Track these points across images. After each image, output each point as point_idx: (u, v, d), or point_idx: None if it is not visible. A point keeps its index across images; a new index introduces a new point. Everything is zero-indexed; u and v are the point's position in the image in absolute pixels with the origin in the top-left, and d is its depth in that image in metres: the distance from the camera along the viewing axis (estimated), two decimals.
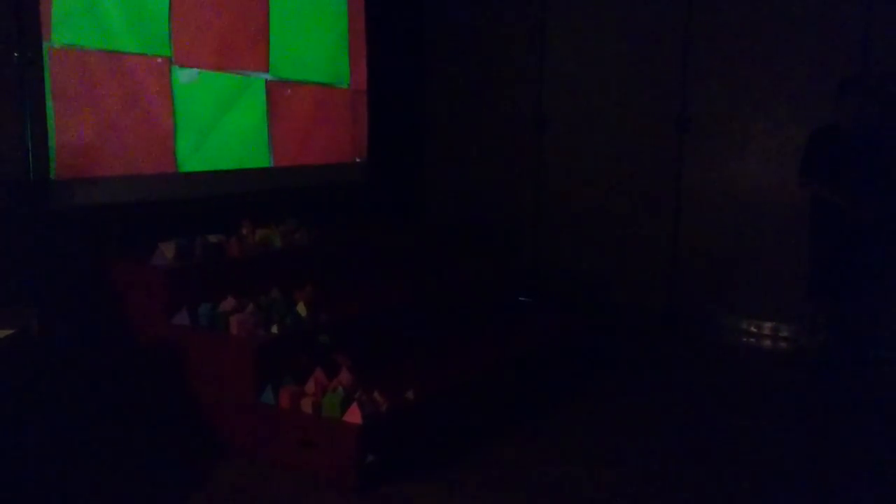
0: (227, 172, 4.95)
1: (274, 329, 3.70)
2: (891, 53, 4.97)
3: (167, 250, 3.97)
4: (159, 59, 4.50)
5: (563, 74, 6.15)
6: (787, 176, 5.05)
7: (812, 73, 5.10)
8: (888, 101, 4.96)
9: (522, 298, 5.70)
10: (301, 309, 3.90)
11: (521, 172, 6.38)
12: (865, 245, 4.71)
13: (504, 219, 6.47)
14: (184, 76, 4.62)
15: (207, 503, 3.14)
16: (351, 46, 5.85)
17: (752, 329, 5.53)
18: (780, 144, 5.09)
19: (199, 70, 4.72)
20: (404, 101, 6.49)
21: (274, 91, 5.21)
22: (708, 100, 5.57)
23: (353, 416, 3.26)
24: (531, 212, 6.37)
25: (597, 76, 6.00)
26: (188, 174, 4.72)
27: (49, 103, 3.98)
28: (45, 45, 3.94)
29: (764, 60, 5.35)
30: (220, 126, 4.89)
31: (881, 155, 4.70)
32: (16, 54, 3.86)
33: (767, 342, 5.31)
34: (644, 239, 5.90)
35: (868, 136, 4.71)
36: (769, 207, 5.30)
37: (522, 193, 6.39)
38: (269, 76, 5.15)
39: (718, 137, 5.57)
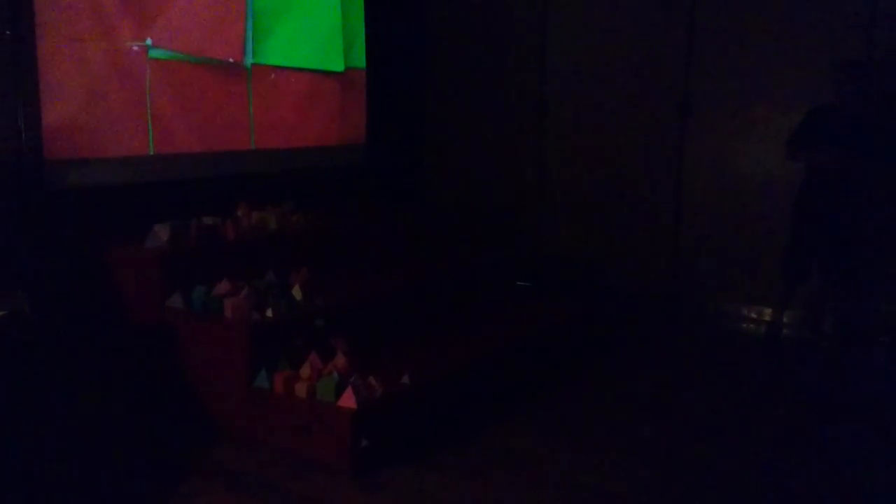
0: (224, 154, 4.90)
1: (269, 313, 3.66)
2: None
3: (162, 232, 3.94)
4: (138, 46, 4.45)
5: (565, 59, 6.08)
6: (791, 161, 5.00)
7: (815, 58, 5.04)
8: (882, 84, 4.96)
9: (522, 283, 5.66)
10: (296, 292, 3.87)
11: (522, 157, 6.33)
12: (844, 226, 4.77)
13: (504, 203, 6.43)
14: None
15: (201, 487, 3.12)
16: (349, 27, 5.78)
17: (753, 315, 5.50)
18: (782, 129, 5.03)
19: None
20: (405, 83, 6.42)
21: (263, 75, 5.14)
22: (710, 85, 5.51)
23: (348, 400, 3.23)
24: (532, 196, 6.32)
25: (599, 60, 5.93)
26: (184, 155, 4.67)
27: (41, 82, 3.93)
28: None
29: (767, 45, 5.29)
30: (211, 106, 4.83)
31: (873, 134, 4.69)
32: (7, 32, 3.80)
33: (766, 326, 5.26)
34: (646, 224, 5.86)
35: (862, 116, 4.70)
36: (772, 193, 5.25)
37: (523, 178, 6.33)
38: (255, 60, 5.08)
39: (720, 123, 5.51)
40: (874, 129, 4.68)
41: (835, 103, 4.72)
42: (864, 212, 4.79)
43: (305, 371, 3.46)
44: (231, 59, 4.93)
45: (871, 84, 4.74)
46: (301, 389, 3.36)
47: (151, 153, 4.51)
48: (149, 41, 4.44)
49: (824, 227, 4.80)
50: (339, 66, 5.72)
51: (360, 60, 5.90)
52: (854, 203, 4.74)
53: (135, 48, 4.38)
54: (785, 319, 5.15)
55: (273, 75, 5.21)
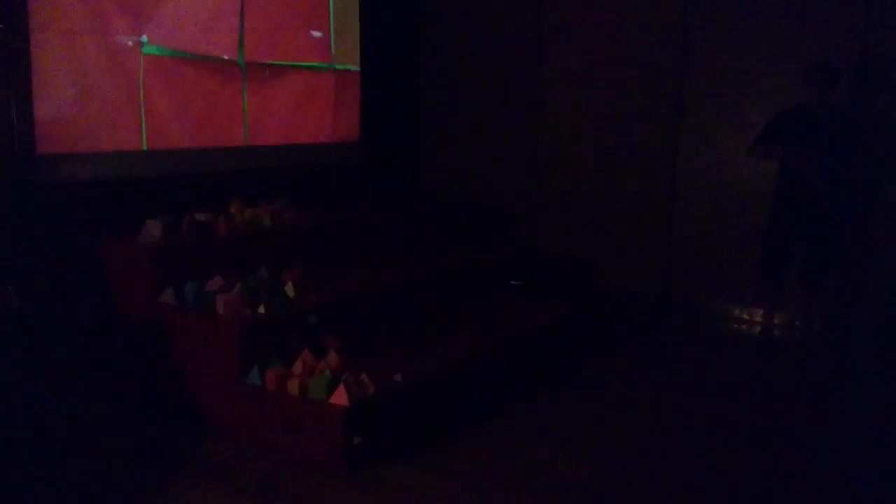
0: (217, 150, 4.88)
1: (261, 309, 3.65)
2: (891, 39, 4.92)
3: (154, 228, 3.93)
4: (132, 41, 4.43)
5: (560, 58, 6.08)
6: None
7: (810, 61, 5.04)
8: (862, 86, 5.01)
9: (515, 282, 5.66)
10: (289, 289, 3.86)
11: (516, 156, 6.33)
12: (818, 229, 4.78)
13: (498, 202, 6.43)
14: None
15: (192, 482, 3.11)
16: (345, 25, 5.77)
17: (745, 316, 5.51)
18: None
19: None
20: (398, 80, 6.41)
21: (257, 71, 5.13)
22: (705, 86, 5.52)
23: (340, 398, 3.22)
24: (525, 195, 6.32)
25: (594, 61, 5.93)
26: (177, 151, 4.65)
27: (34, 76, 3.90)
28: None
29: (761, 47, 5.30)
30: (204, 103, 4.82)
31: (844, 134, 4.71)
32: (1, 25, 3.78)
33: (758, 329, 5.28)
34: (638, 224, 5.86)
35: (832, 116, 4.72)
36: (764, 194, 5.25)
37: (517, 177, 6.33)
38: (248, 57, 5.07)
39: (715, 124, 5.52)
40: (838, 130, 4.70)
41: (801, 105, 4.75)
42: (834, 212, 4.80)
43: (297, 368, 3.46)
44: (225, 56, 4.91)
45: (839, 86, 4.75)
46: (293, 387, 3.35)
47: (144, 149, 4.49)
48: (144, 38, 4.42)
49: (796, 228, 4.82)
50: (334, 63, 5.70)
51: (354, 58, 5.88)
52: (823, 203, 4.74)
53: (129, 43, 4.36)
54: (776, 321, 5.17)
55: (267, 72, 5.20)
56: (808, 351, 4.97)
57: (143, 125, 4.47)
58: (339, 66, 5.76)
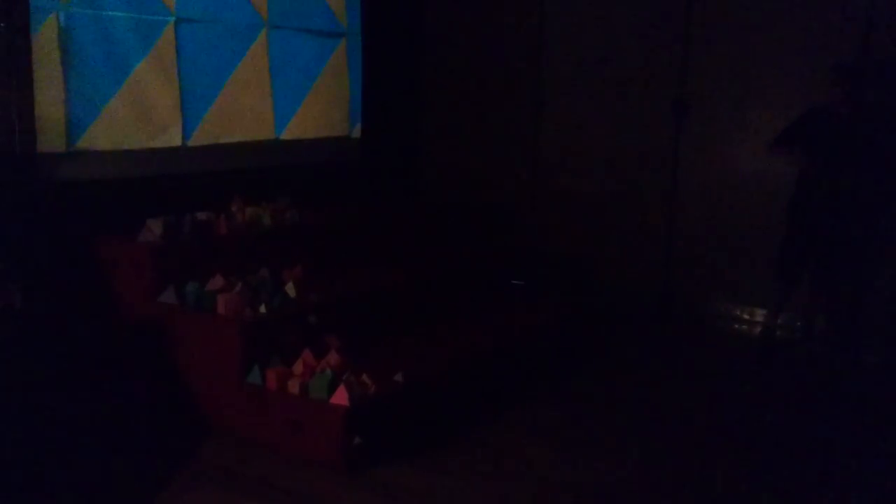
0: (216, 147, 4.86)
1: (262, 309, 3.65)
2: (893, 40, 4.91)
3: (155, 227, 3.92)
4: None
5: (561, 58, 6.06)
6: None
7: (812, 60, 5.03)
8: (882, 87, 4.93)
9: (516, 282, 5.65)
10: (290, 289, 3.86)
11: (517, 155, 6.31)
12: (833, 232, 4.71)
13: (499, 201, 6.41)
14: None
15: (193, 482, 3.11)
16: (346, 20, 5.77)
17: (746, 316, 5.50)
18: (778, 131, 5.04)
19: None
20: (401, 79, 6.40)
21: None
22: (706, 85, 5.50)
23: (341, 397, 3.22)
24: (527, 194, 6.31)
25: (596, 60, 5.91)
26: (176, 149, 4.64)
27: (35, 73, 3.90)
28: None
29: (764, 46, 5.28)
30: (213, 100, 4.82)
31: (868, 137, 4.68)
32: (2, 24, 3.77)
33: (759, 329, 5.27)
34: (640, 224, 5.85)
35: (858, 118, 4.67)
36: (766, 194, 5.25)
37: (518, 176, 6.32)
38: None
39: (716, 123, 5.51)
40: (862, 134, 4.66)
41: (827, 106, 4.70)
42: (854, 218, 4.76)
43: (298, 368, 3.45)
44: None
45: (865, 90, 4.71)
46: (294, 386, 3.35)
47: (145, 147, 4.48)
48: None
49: (814, 233, 4.78)
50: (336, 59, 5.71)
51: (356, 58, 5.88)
52: (843, 209, 4.70)
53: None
54: (779, 321, 5.15)
55: None
56: (809, 352, 4.96)
57: (144, 123, 4.46)
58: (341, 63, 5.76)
